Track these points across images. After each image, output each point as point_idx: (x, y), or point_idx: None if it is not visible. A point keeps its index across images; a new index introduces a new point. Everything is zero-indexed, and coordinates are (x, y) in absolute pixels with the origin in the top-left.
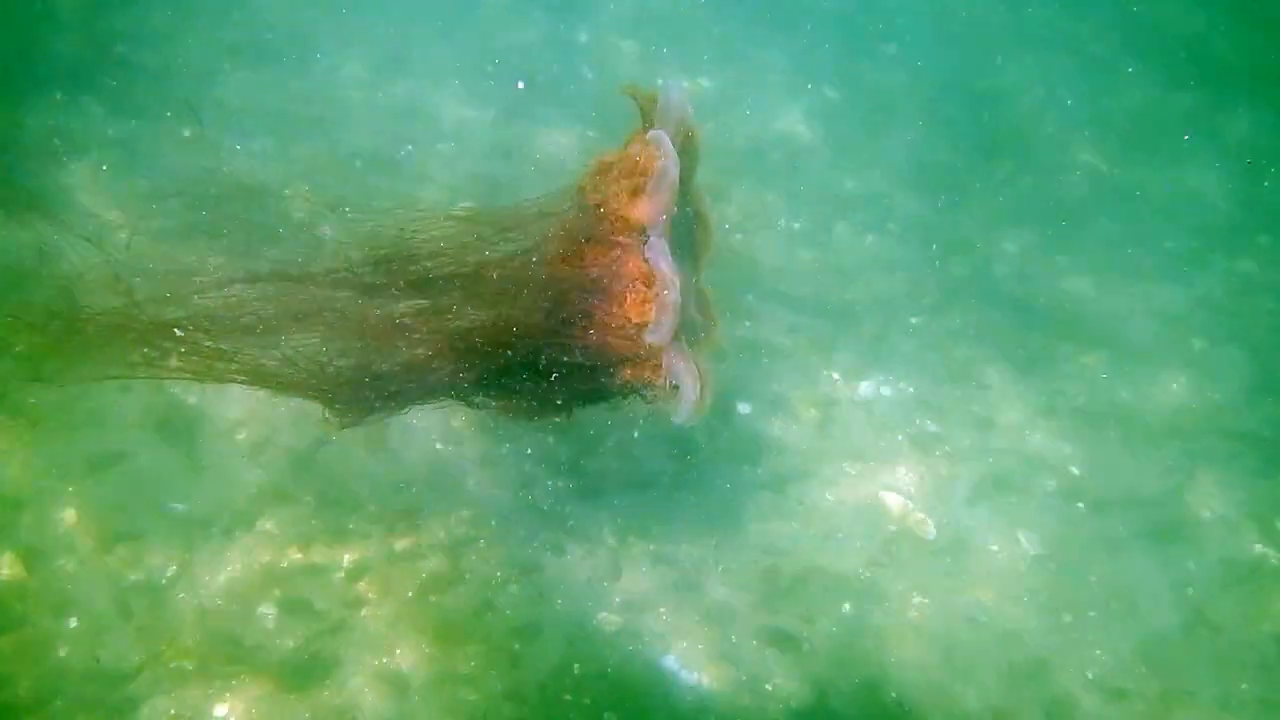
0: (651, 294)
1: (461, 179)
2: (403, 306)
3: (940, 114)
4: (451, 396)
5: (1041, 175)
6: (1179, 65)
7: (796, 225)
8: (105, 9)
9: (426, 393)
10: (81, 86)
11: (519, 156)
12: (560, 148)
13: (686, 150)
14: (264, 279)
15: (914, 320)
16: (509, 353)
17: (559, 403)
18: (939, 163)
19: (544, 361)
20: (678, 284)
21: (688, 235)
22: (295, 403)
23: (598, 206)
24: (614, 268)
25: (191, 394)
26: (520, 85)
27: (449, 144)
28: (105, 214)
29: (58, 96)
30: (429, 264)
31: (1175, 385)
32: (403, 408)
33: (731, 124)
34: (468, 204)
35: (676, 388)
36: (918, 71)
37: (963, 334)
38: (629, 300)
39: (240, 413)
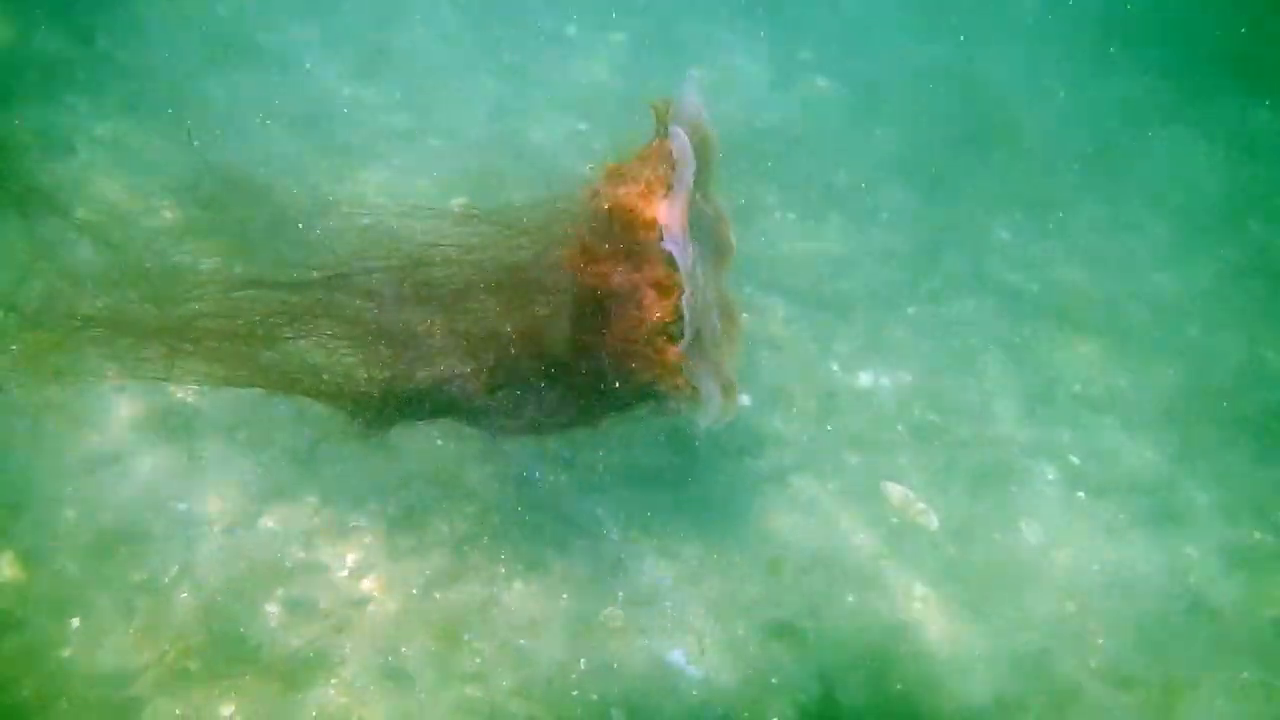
0: (671, 300)
1: (454, 173)
2: (419, 314)
3: (930, 103)
4: (470, 414)
5: (1031, 163)
6: (1166, 52)
7: (791, 216)
8: (88, 6)
9: (448, 406)
10: (66, 83)
11: (511, 150)
12: (550, 139)
13: (702, 153)
14: (270, 283)
15: (911, 310)
16: (532, 362)
17: (583, 413)
18: (930, 151)
19: (567, 371)
20: (698, 286)
21: (708, 239)
22: (295, 401)
23: (612, 212)
24: (633, 274)
25: (189, 393)
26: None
27: (437, 138)
28: (93, 212)
29: (42, 94)
30: (443, 270)
31: (1171, 372)
32: (425, 417)
33: (722, 115)
34: (463, 199)
35: (699, 392)
36: (907, 60)
37: (959, 323)
38: (649, 306)
39: (239, 411)
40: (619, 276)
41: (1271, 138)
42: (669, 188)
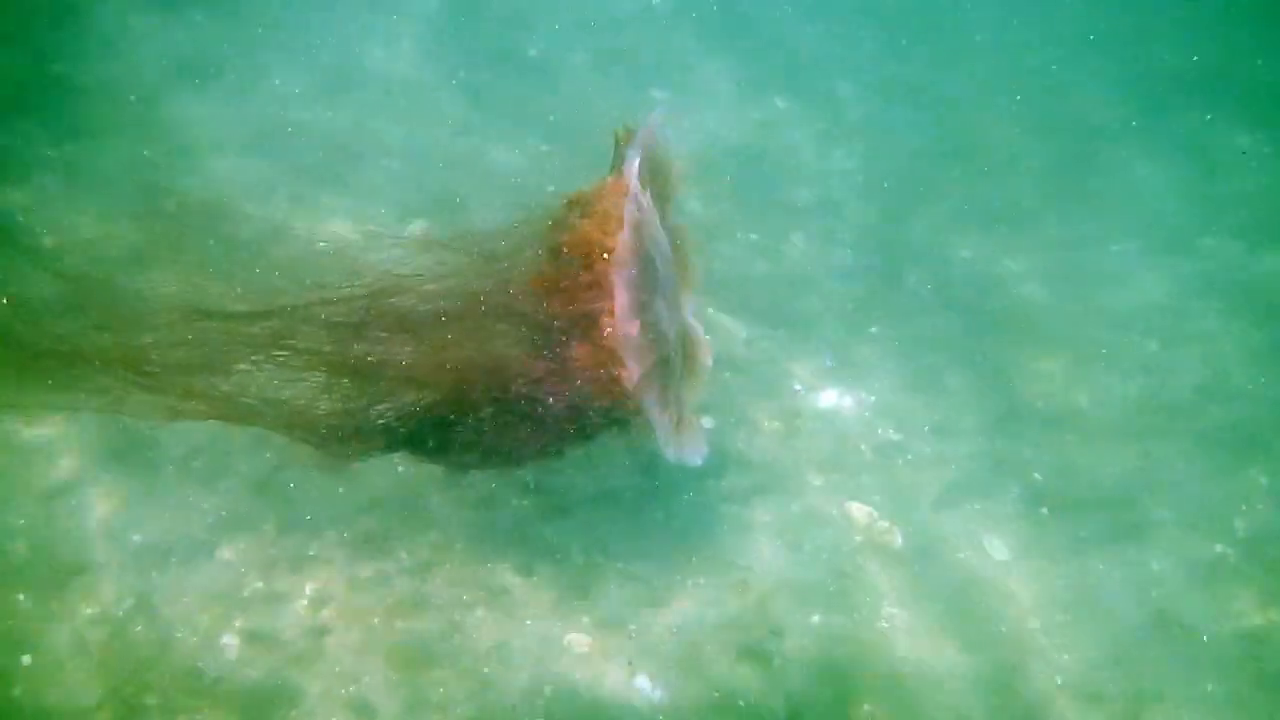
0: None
1: (413, 195)
2: (379, 345)
3: (889, 121)
4: (432, 449)
5: (991, 181)
6: (1122, 70)
7: (753, 236)
8: (40, 26)
9: (408, 439)
10: (18, 107)
11: (472, 172)
12: (512, 161)
13: (662, 182)
14: (228, 313)
15: (873, 329)
16: (494, 392)
17: (546, 445)
18: (890, 170)
19: (530, 401)
20: (658, 316)
21: (668, 267)
22: (252, 430)
23: (570, 243)
24: (593, 303)
25: (145, 422)
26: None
27: (397, 160)
28: (47, 238)
29: None
30: (403, 299)
31: (1131, 387)
32: (386, 451)
33: (683, 135)
34: (423, 223)
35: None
36: (866, 79)
37: (921, 341)
38: (605, 337)
39: (196, 440)
40: (578, 305)
41: (1226, 154)
42: (618, 222)
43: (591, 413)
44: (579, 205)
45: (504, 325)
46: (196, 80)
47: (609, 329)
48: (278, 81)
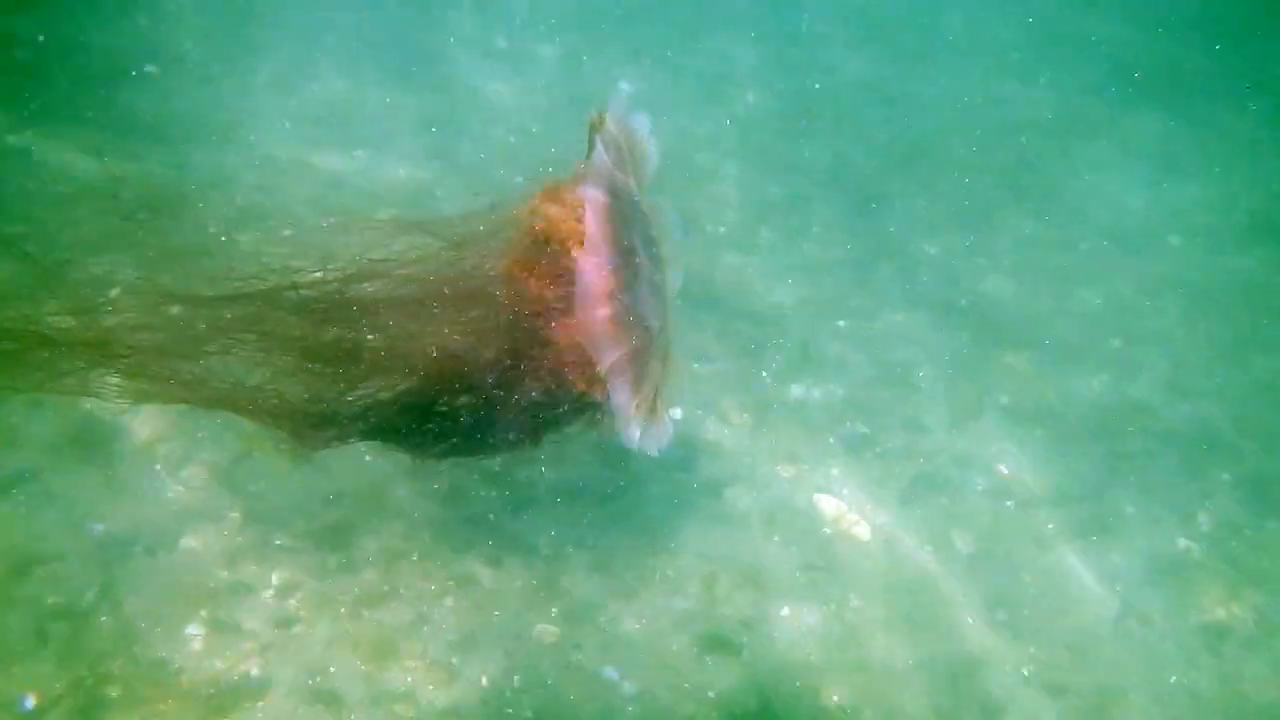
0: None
1: (381, 186)
2: (349, 331)
3: (859, 118)
4: (404, 438)
5: (959, 178)
6: (1091, 71)
7: (721, 230)
8: (2, 9)
9: (379, 429)
10: None
11: (441, 162)
12: (481, 152)
13: (636, 167)
14: (195, 297)
15: (841, 323)
16: (467, 380)
17: (520, 436)
18: (859, 166)
19: (504, 388)
20: (623, 303)
21: (655, 254)
22: (216, 417)
23: (546, 232)
24: (562, 291)
25: (106, 409)
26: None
27: (365, 150)
28: (7, 222)
29: None
30: (373, 284)
31: (1096, 384)
32: (356, 439)
33: (653, 129)
34: (392, 211)
35: (611, 404)
36: (836, 76)
37: (889, 336)
38: (576, 324)
39: (158, 428)
40: (552, 291)
41: (1189, 154)
42: (587, 208)
43: (564, 401)
44: (554, 193)
45: (477, 311)
46: (161, 67)
47: (581, 315)
48: (243, 70)
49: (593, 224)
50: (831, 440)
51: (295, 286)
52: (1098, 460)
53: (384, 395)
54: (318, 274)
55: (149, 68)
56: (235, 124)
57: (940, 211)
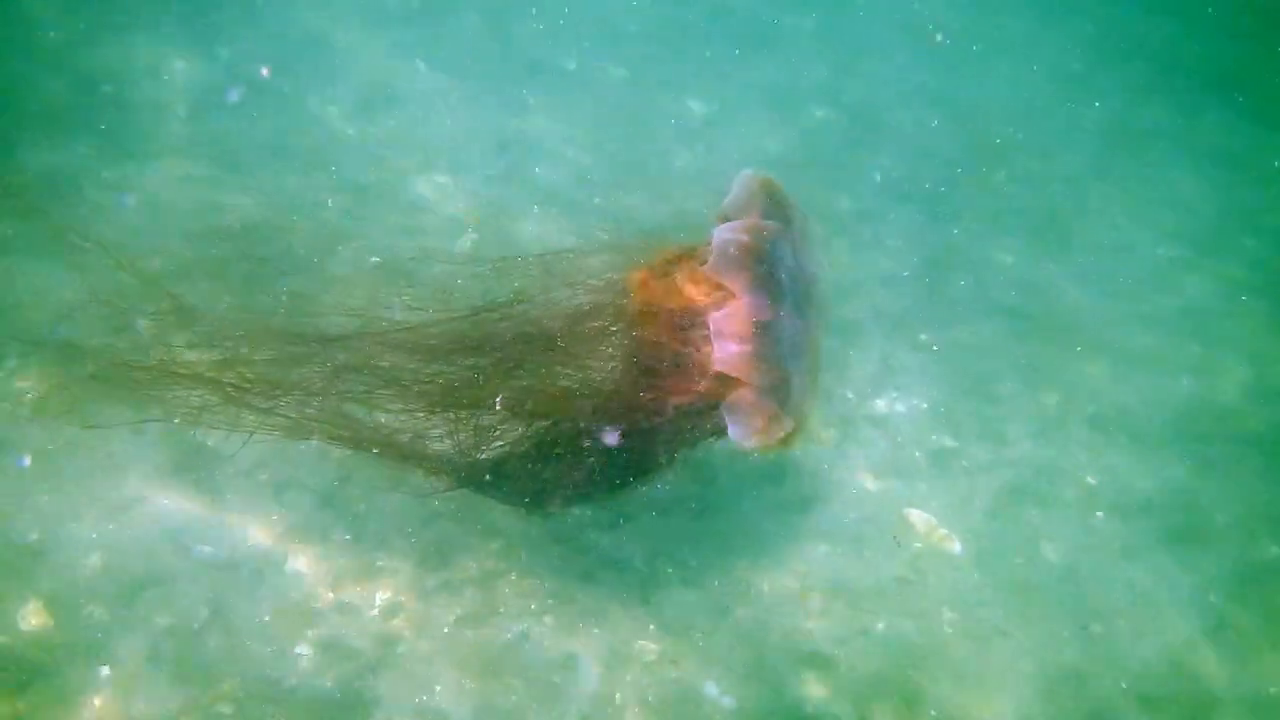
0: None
1: (462, 209)
2: (467, 374)
3: (925, 128)
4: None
5: (1026, 186)
6: (1151, 73)
7: None
8: (85, 45)
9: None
10: (71, 129)
11: (518, 186)
12: (556, 171)
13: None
14: (306, 335)
15: (921, 336)
16: (601, 422)
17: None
18: (928, 175)
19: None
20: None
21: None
22: (315, 442)
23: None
24: (697, 351)
25: (208, 436)
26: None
27: (444, 176)
28: (105, 256)
29: (47, 139)
30: (499, 322)
31: (1178, 390)
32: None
33: (722, 146)
34: (473, 235)
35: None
36: (899, 87)
37: (968, 347)
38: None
39: (260, 453)
40: (679, 338)
41: (1256, 155)
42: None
43: (690, 431)
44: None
45: (596, 353)
46: (240, 96)
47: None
48: (316, 97)
49: (749, 304)
50: (918, 454)
51: (397, 325)
52: (1184, 467)
53: (513, 438)
54: (423, 309)
55: (229, 96)
56: (312, 148)
57: (1011, 218)
